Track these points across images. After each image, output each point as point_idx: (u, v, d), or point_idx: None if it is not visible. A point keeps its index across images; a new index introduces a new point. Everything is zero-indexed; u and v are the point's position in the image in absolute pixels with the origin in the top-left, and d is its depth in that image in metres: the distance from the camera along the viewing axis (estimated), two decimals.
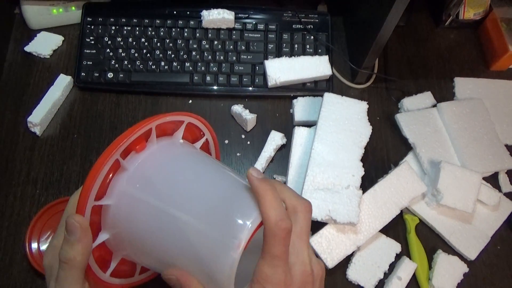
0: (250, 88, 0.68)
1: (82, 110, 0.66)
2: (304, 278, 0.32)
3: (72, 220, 0.32)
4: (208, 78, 0.67)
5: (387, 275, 0.58)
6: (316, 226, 0.56)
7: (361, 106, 0.62)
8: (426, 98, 0.69)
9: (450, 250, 0.60)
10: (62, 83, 0.65)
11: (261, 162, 0.62)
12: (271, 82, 0.66)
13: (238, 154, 0.64)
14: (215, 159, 0.42)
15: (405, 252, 0.59)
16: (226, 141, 0.65)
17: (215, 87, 0.67)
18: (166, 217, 0.33)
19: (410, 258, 0.58)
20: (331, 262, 0.55)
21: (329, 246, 0.56)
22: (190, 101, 0.68)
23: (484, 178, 0.63)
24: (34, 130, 0.62)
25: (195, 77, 0.67)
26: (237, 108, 0.65)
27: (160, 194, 0.34)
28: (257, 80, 0.68)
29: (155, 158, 0.36)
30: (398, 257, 0.58)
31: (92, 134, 0.64)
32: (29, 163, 0.61)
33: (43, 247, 0.55)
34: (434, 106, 0.68)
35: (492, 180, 0.64)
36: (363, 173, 0.58)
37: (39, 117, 0.62)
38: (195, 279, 0.32)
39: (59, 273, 0.32)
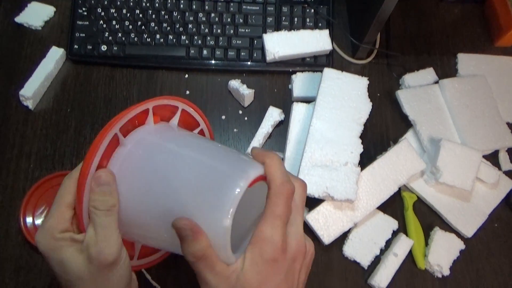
0: (248, 63, 0.66)
1: (76, 83, 0.64)
2: (298, 248, 0.34)
3: (102, 173, 0.34)
4: (204, 52, 0.65)
5: (383, 251, 0.58)
6: (313, 202, 0.56)
7: (362, 82, 0.61)
8: (428, 74, 0.67)
9: (447, 227, 0.60)
10: (55, 56, 0.63)
11: (259, 138, 0.61)
12: (269, 57, 0.64)
13: (235, 130, 0.63)
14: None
15: (402, 229, 0.59)
16: (223, 117, 0.64)
17: (212, 61, 0.65)
18: (178, 157, 0.36)
19: (407, 235, 0.58)
20: (327, 239, 0.55)
21: (326, 223, 0.56)
22: (186, 76, 0.66)
23: (484, 156, 0.62)
24: (27, 104, 0.61)
25: (192, 51, 0.65)
26: (235, 83, 0.64)
27: (176, 143, 0.38)
28: (255, 55, 0.66)
29: (166, 127, 0.40)
30: (394, 234, 0.58)
31: (86, 108, 0.63)
32: (22, 137, 0.60)
33: (38, 221, 0.54)
34: (436, 82, 0.66)
35: (492, 158, 0.63)
36: (361, 150, 0.57)
37: (32, 90, 0.60)
38: (204, 233, 0.32)
39: (100, 220, 0.33)
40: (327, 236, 0.55)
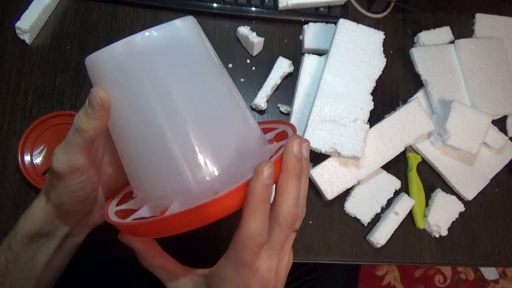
0: (259, 9, 0.62)
1: (75, 20, 0.60)
2: (263, 286, 0.32)
3: (96, 94, 0.32)
4: None
5: (384, 210, 0.58)
6: (319, 158, 0.55)
7: (377, 36, 0.58)
8: (444, 33, 0.65)
9: (449, 189, 0.60)
10: None
11: (266, 90, 0.59)
12: (282, 4, 0.61)
13: (242, 79, 0.61)
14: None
15: (404, 189, 0.59)
16: (230, 65, 0.61)
17: (220, 5, 0.62)
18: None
19: (408, 195, 0.58)
20: (330, 194, 0.55)
21: (330, 179, 0.55)
22: None
23: (492, 121, 0.61)
24: (23, 38, 0.57)
25: None
26: (244, 30, 0.60)
27: None
28: (267, 1, 0.62)
29: None
30: (396, 193, 0.58)
31: (87, 48, 0.59)
32: (19, 73, 0.57)
33: (37, 160, 0.53)
34: (452, 42, 0.64)
35: (500, 123, 0.63)
36: (372, 107, 0.56)
37: (29, 23, 0.56)
38: (157, 245, 0.35)
39: (69, 135, 0.33)
40: (330, 192, 0.55)
